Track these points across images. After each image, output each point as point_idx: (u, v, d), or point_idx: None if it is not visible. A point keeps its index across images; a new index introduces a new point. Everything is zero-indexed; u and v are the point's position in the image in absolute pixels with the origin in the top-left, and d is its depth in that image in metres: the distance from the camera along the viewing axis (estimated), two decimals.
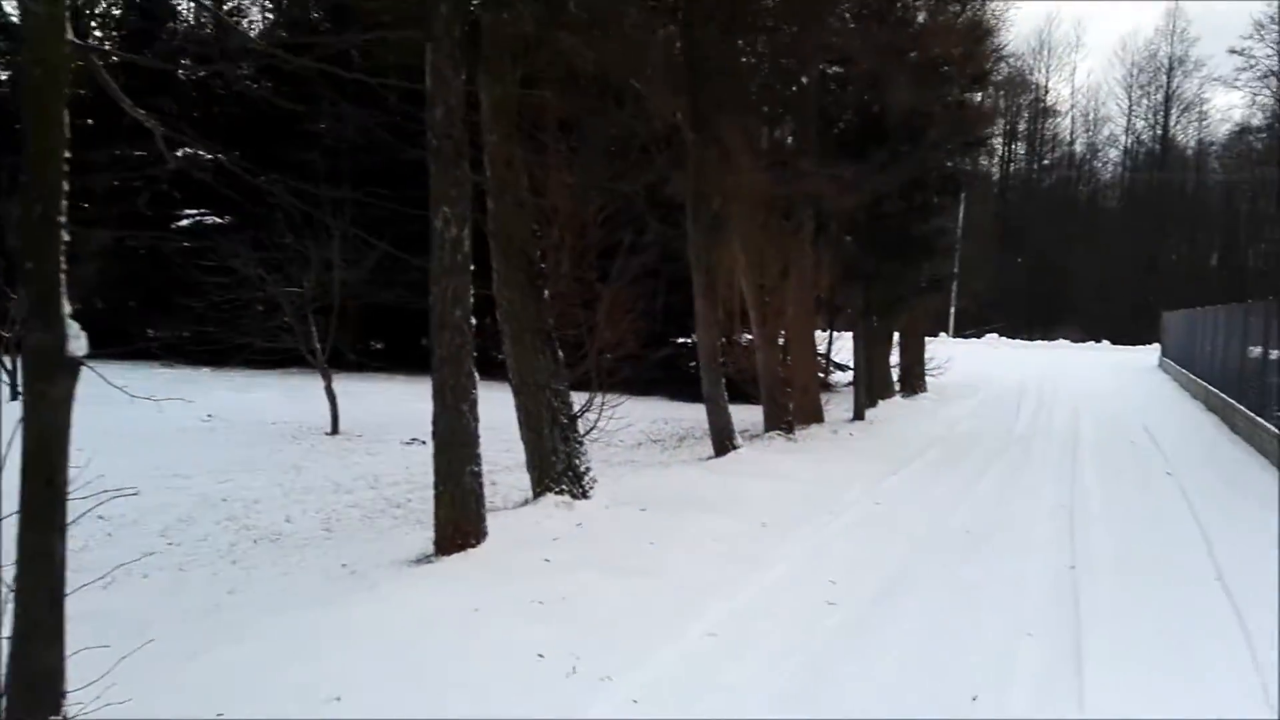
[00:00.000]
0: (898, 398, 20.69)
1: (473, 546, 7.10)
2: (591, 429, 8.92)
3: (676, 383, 19.13)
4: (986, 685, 5.18)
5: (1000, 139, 59.37)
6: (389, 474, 10.77)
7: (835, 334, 23.42)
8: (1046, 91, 60.96)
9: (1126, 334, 45.11)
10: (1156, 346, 35.63)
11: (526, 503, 8.77)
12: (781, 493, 10.05)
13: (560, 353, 8.75)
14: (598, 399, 9.12)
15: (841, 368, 22.38)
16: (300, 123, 19.63)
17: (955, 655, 5.63)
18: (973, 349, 38.91)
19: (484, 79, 8.27)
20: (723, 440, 12.20)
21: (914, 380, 22.17)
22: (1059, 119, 61.44)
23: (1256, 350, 14.49)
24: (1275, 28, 54.62)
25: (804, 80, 14.19)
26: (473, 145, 8.58)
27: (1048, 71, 60.97)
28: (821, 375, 23.81)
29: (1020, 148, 61.71)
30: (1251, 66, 55.53)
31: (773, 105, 13.95)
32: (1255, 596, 6.62)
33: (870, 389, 17.99)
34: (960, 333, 47.08)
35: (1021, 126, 61.46)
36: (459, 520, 7.07)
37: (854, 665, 5.48)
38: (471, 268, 7.14)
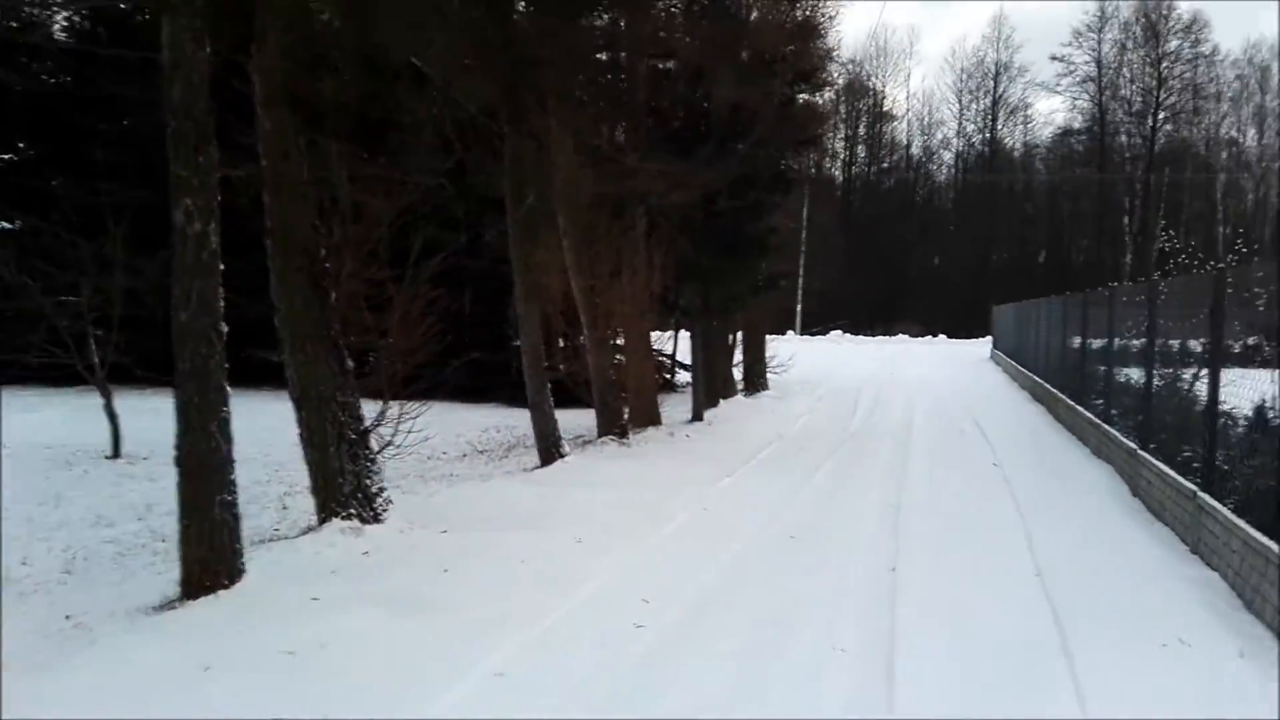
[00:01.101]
0: (740, 396, 20.47)
1: (225, 587, 6.19)
2: (387, 444, 8.03)
3: (513, 387, 18.33)
4: (794, 712, 4.68)
5: (843, 142, 61.32)
6: (165, 503, 9.48)
7: (678, 334, 23.10)
8: (884, 97, 62.99)
9: (961, 328, 46.86)
10: (988, 339, 36.99)
11: (309, 530, 7.86)
12: (606, 503, 9.44)
13: (349, 361, 7.87)
14: (398, 409, 8.21)
15: (685, 367, 22.04)
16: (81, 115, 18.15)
17: (763, 681, 5.11)
18: (817, 346, 39.61)
19: (256, 59, 7.36)
20: (549, 449, 11.53)
21: (756, 378, 22.03)
22: (896, 123, 63.58)
23: (1077, 340, 14.81)
24: (1093, 35, 58.30)
25: (632, 73, 13.68)
26: (250, 131, 7.73)
27: (884, 78, 63.01)
28: (667, 376, 23.56)
29: (861, 151, 63.52)
30: (1071, 72, 59.19)
31: (599, 98, 13.37)
32: (1074, 597, 6.36)
33: (711, 389, 17.66)
34: (807, 330, 47.99)
35: (862, 130, 63.30)
36: (208, 558, 6.16)
37: (654, 701, 4.88)
38: (221, 267, 6.23)
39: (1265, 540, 5.34)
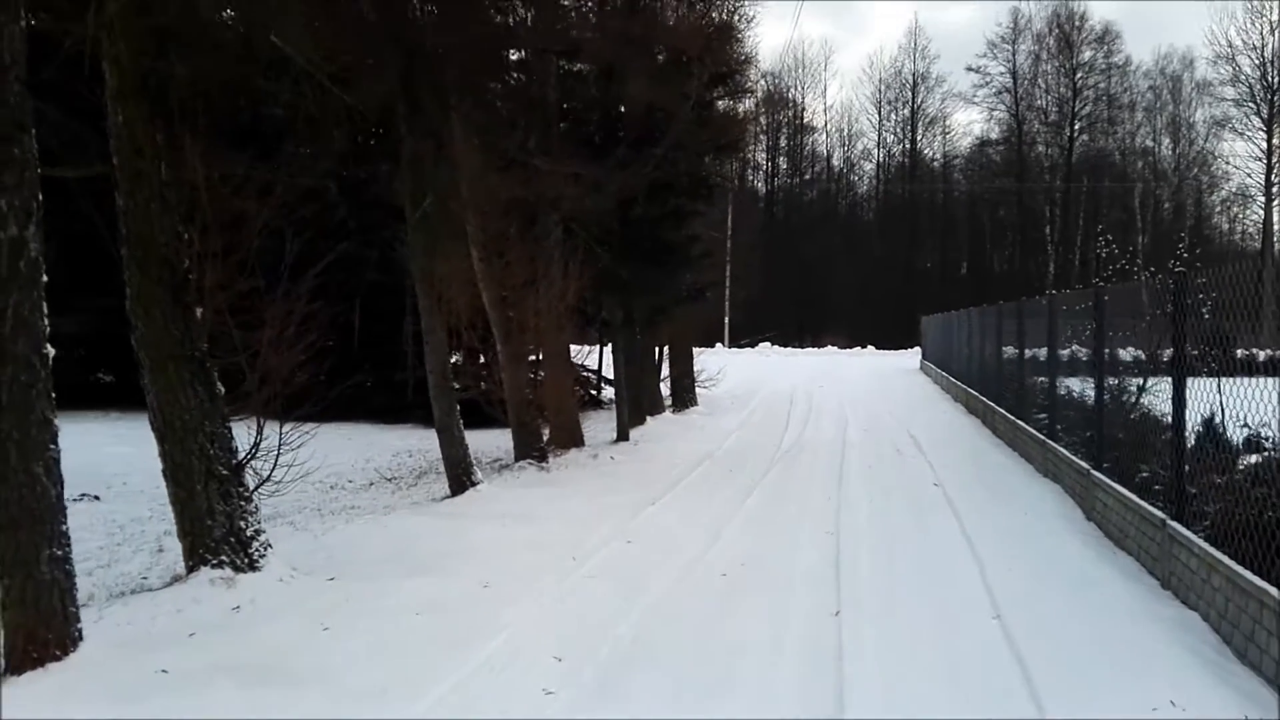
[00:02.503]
0: (668, 413, 19.72)
1: (57, 659, 5.17)
2: (265, 480, 7.04)
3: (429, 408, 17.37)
4: None
5: (764, 154, 61.38)
6: None
7: (604, 348, 22.30)
8: (803, 109, 63.21)
9: (889, 338, 46.94)
10: (917, 350, 36.93)
11: (175, 581, 6.84)
12: (519, 539, 8.57)
13: (219, 385, 6.87)
14: (278, 438, 7.22)
15: (611, 383, 21.25)
16: None
17: None
18: (746, 358, 39.14)
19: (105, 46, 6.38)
20: (459, 476, 10.59)
21: (684, 394, 21.33)
22: (816, 135, 63.84)
23: (1013, 351, 14.38)
24: (1008, 46, 59.26)
25: (542, 73, 12.86)
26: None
27: (803, 89, 63.25)
28: (593, 392, 22.72)
29: (783, 162, 63.63)
30: (987, 83, 60.08)
31: (508, 99, 12.51)
32: (1042, 645, 5.67)
33: (637, 406, 16.89)
34: (735, 342, 47.61)
35: (783, 142, 63.42)
36: (34, 625, 5.14)
37: None
38: (44, 279, 5.22)
39: (1259, 582, 4.70)
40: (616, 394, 15.72)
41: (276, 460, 7.08)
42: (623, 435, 15.20)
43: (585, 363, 22.38)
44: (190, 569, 6.79)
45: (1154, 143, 59.02)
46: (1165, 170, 58.69)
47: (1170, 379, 6.31)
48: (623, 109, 13.74)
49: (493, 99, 11.77)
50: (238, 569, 6.77)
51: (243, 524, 6.86)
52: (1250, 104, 51.02)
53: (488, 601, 6.79)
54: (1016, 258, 59.29)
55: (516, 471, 12.05)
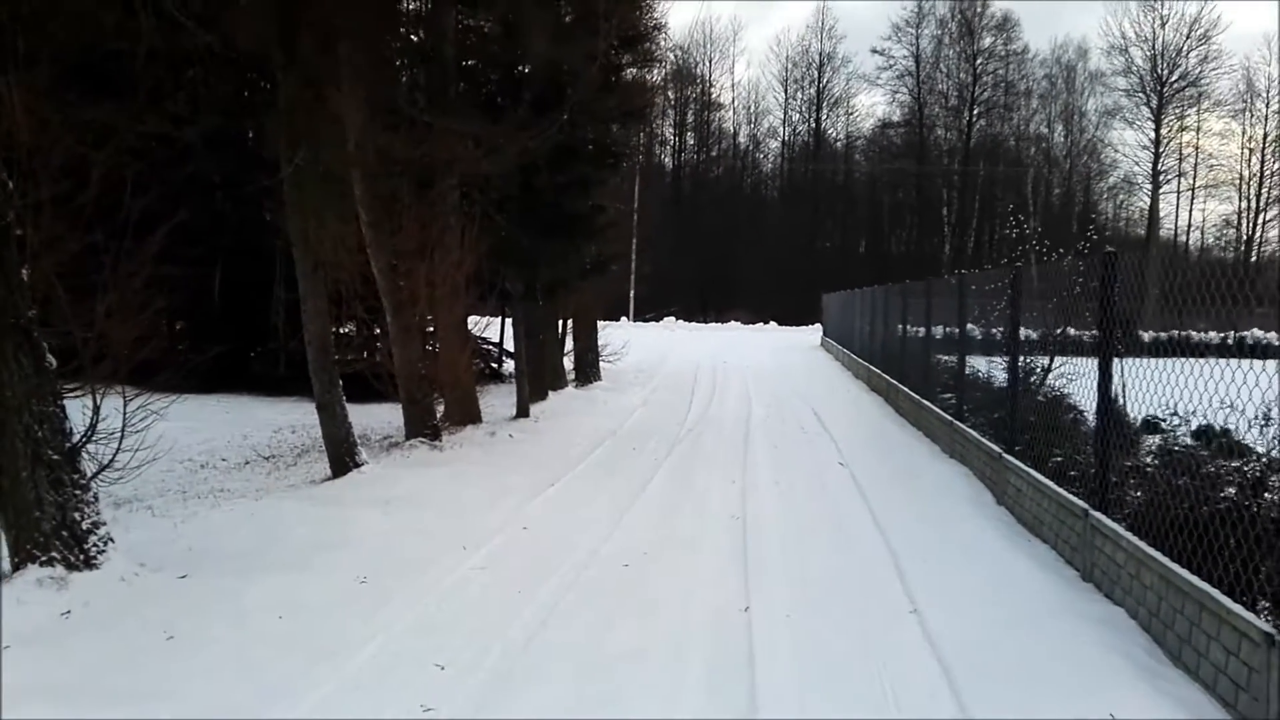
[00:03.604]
0: (570, 388, 19.11)
1: None
2: (105, 466, 6.20)
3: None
4: None
5: (672, 129, 60.89)
6: None
7: (505, 320, 21.50)
8: (711, 85, 62.86)
9: (791, 315, 47.14)
10: (818, 327, 37.07)
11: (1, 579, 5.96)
12: (403, 526, 7.88)
13: (50, 358, 5.99)
14: (121, 418, 6.37)
15: (512, 356, 20.49)
16: None
17: None
18: (650, 332, 38.74)
19: None
20: (341, 457, 9.81)
21: (588, 368, 20.71)
22: (723, 112, 63.63)
23: (920, 330, 14.20)
24: (911, 30, 59.94)
25: (439, 26, 12.01)
26: None
27: (710, 65, 62.87)
28: (494, 365, 21.92)
29: (690, 138, 63.27)
30: (891, 66, 60.72)
31: (403, 54, 11.63)
32: (965, 645, 5.30)
33: (539, 380, 16.22)
34: (641, 316, 47.17)
35: (690, 118, 63.02)
36: None
37: None
38: None
39: (1201, 584, 4.37)
40: (517, 368, 15.02)
41: (120, 444, 6.24)
42: (523, 411, 14.53)
43: (486, 334, 21.54)
44: (15, 567, 5.92)
45: (1048, 129, 60.63)
46: (1057, 157, 60.36)
47: (1096, 360, 5.99)
48: (525, 69, 12.98)
49: (385, 50, 10.86)
50: (71, 567, 5.93)
51: (77, 515, 6.01)
52: (1140, 94, 52.84)
53: (363, 600, 6.13)
54: (914, 238, 60.29)
55: (407, 451, 11.28)
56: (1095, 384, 6.05)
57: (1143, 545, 5.09)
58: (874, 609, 5.86)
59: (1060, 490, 6.61)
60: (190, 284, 10.38)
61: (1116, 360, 5.90)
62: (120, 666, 4.85)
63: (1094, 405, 6.13)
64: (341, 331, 14.48)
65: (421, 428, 11.68)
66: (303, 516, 7.98)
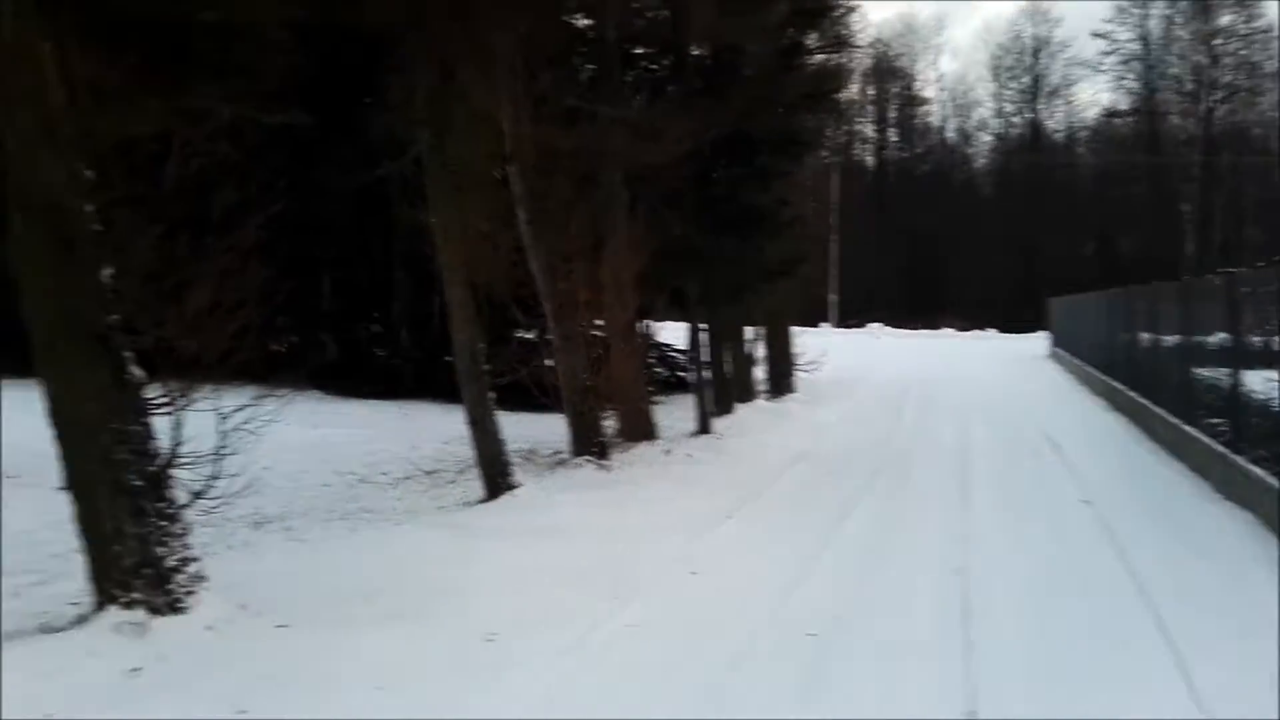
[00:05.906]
0: (761, 400, 17.59)
1: None
2: (199, 494, 5.36)
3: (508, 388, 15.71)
4: None
5: (873, 126, 58.14)
6: None
7: (695, 327, 20.25)
8: (914, 79, 59.57)
9: (1011, 322, 43.44)
10: (1045, 335, 33.69)
11: (81, 622, 5.19)
12: (550, 564, 6.74)
13: (133, 369, 5.20)
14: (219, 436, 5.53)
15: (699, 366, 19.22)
16: None
17: None
18: (853, 340, 36.49)
19: None
20: (494, 477, 8.86)
21: (781, 379, 19.18)
22: (928, 106, 60.13)
23: (1171, 340, 11.93)
24: (1137, 10, 54.53)
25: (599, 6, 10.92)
26: None
27: (913, 57, 59.53)
28: (679, 374, 20.69)
29: (894, 135, 60.25)
30: (1115, 50, 55.38)
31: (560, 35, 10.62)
32: None
33: (724, 392, 14.91)
34: (843, 323, 44.97)
35: (893, 114, 60.03)
36: None
37: None
38: None
39: None
40: (697, 379, 13.75)
41: (217, 468, 5.38)
42: (703, 427, 13.22)
43: (666, 341, 20.29)
44: (97, 607, 5.16)
45: None
46: None
47: None
48: (694, 51, 11.74)
49: (544, 35, 9.85)
50: (154, 610, 5.10)
51: (161, 550, 5.18)
52: None
53: (485, 664, 5.03)
54: (1149, 238, 54.55)
55: (570, 470, 10.24)
56: None
57: None
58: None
59: None
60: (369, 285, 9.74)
61: None
62: None
63: None
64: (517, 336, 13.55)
65: (588, 444, 10.62)
66: (439, 549, 7.00)
